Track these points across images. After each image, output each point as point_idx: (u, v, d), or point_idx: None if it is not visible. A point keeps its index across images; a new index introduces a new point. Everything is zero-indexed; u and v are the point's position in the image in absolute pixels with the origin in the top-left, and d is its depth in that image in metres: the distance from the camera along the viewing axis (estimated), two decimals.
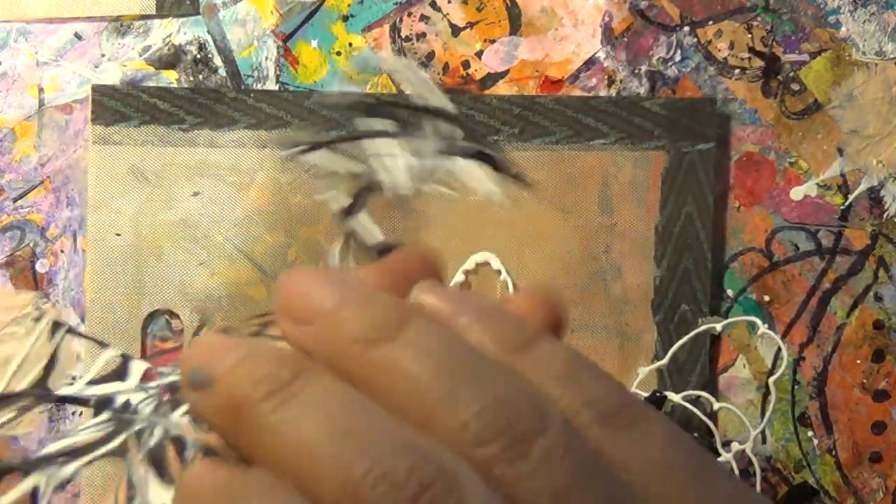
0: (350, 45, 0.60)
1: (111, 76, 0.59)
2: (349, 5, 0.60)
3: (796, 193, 0.59)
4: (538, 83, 0.59)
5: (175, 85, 0.59)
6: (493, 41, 0.60)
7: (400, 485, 0.18)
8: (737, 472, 0.58)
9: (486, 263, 0.57)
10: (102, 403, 0.25)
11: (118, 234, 0.57)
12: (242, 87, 0.59)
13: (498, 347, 0.20)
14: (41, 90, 0.59)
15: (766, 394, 0.60)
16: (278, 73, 0.60)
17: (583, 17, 0.60)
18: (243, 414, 0.20)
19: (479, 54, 0.60)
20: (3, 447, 0.57)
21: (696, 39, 0.59)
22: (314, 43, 0.60)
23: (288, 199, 0.58)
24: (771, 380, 0.58)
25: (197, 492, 0.20)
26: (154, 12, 0.60)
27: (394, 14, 0.60)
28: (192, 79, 0.59)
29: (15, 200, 0.58)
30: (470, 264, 0.57)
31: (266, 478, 0.19)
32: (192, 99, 0.58)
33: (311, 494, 0.18)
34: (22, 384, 0.57)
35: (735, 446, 0.59)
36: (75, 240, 0.58)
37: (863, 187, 0.58)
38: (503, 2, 0.60)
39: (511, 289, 0.57)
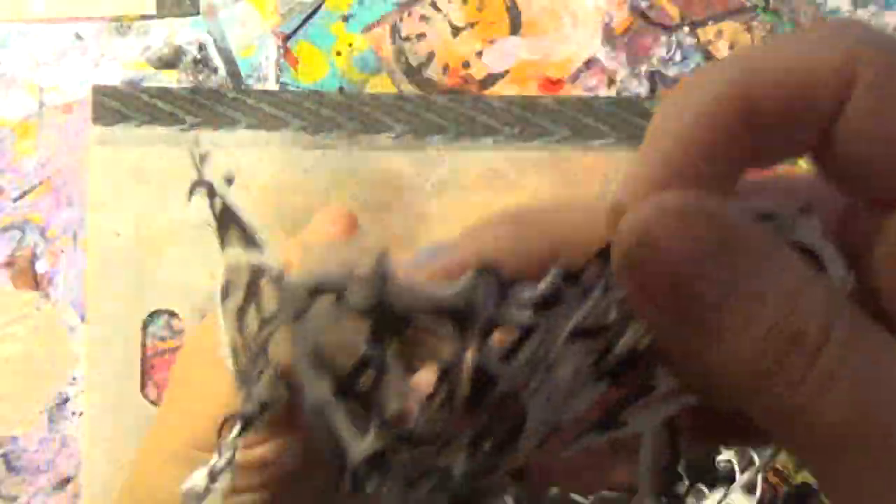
0: (350, 45, 0.60)
1: (111, 76, 0.59)
2: (349, 5, 0.60)
3: None
4: (538, 83, 0.59)
5: (175, 85, 0.59)
6: (493, 41, 0.60)
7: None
8: (738, 471, 0.58)
9: None
10: None
11: (118, 234, 0.57)
12: (242, 87, 0.59)
13: None
14: (41, 90, 0.59)
15: None
16: (278, 73, 0.60)
17: (583, 17, 0.60)
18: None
19: (479, 54, 0.60)
20: None
21: (696, 39, 0.59)
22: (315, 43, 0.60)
23: (288, 199, 0.58)
24: None
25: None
26: (154, 12, 0.60)
27: (394, 14, 0.60)
28: (192, 79, 0.59)
29: (15, 200, 0.58)
30: None
31: None
32: (192, 99, 0.58)
33: None
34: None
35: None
36: (75, 240, 0.58)
37: None
38: (503, 2, 0.60)
39: None
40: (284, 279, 0.19)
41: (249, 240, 0.21)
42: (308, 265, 0.19)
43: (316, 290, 0.19)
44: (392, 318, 0.19)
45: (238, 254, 0.22)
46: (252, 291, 0.21)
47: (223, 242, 0.22)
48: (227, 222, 0.22)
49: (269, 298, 0.21)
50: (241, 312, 0.22)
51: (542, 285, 0.19)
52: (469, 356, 0.19)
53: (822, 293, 0.18)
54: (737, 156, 0.19)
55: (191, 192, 0.23)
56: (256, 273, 0.21)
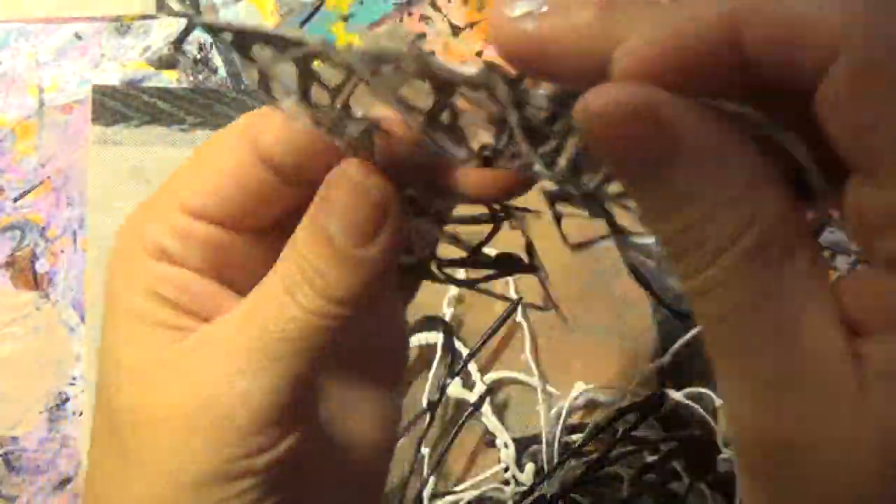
0: (350, 45, 0.60)
1: (111, 76, 0.59)
2: (349, 5, 0.60)
3: None
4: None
5: (175, 85, 0.59)
6: None
7: None
8: (738, 470, 0.58)
9: None
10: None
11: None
12: (242, 87, 0.59)
13: None
14: (41, 90, 0.59)
15: None
16: None
17: None
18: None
19: (479, 54, 0.60)
20: None
21: None
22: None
23: None
24: None
25: None
26: (154, 12, 0.60)
27: (394, 14, 0.60)
28: (192, 79, 0.59)
29: (15, 200, 0.58)
30: None
31: None
32: (192, 99, 0.58)
33: None
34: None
35: None
36: (75, 240, 0.58)
37: None
38: None
39: (512, 290, 0.57)
40: (352, 49, 0.24)
41: (276, 43, 0.25)
42: (364, 44, 0.24)
43: (379, 58, 0.24)
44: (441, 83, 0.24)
45: (269, 57, 0.25)
46: (307, 75, 0.25)
47: (248, 64, 0.25)
48: (246, 46, 0.25)
49: (332, 73, 0.25)
50: (305, 95, 0.25)
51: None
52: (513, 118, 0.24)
53: (769, 196, 0.21)
54: (721, 74, 0.21)
55: (176, 44, 0.29)
56: (306, 59, 0.25)
